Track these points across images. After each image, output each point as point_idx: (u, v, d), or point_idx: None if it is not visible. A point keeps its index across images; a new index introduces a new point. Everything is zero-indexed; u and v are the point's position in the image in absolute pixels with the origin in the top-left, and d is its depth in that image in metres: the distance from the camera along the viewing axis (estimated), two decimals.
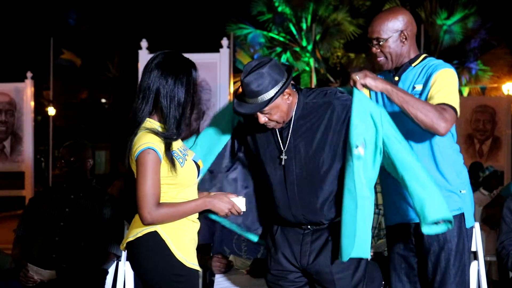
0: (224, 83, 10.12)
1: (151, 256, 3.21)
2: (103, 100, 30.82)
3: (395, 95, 3.43)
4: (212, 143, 3.71)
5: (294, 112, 3.44)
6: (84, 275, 4.76)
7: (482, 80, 21.00)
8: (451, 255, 3.60)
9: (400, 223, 3.71)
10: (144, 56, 10.11)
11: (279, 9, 23.34)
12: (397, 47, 3.69)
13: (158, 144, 3.16)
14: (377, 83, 3.43)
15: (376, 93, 3.73)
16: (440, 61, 3.70)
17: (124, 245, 3.31)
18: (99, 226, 4.90)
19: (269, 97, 3.29)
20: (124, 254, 4.73)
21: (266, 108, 3.31)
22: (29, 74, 12.56)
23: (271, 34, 23.70)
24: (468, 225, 3.67)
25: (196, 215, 3.36)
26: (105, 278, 4.93)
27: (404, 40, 3.69)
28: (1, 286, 4.80)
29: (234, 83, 16.93)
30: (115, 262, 4.96)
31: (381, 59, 3.72)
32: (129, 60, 23.60)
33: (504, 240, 4.73)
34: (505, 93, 17.45)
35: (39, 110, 21.83)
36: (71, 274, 4.71)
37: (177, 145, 3.28)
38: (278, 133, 3.49)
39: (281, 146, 3.48)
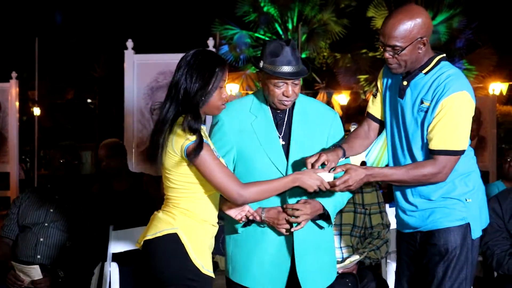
0: None
1: (169, 258, 3.19)
2: (89, 100, 30.72)
3: (382, 180, 3.53)
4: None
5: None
6: (69, 276, 4.73)
7: (468, 79, 21.02)
8: (450, 266, 3.46)
9: (409, 232, 3.66)
10: (129, 56, 10.01)
11: (265, 9, 23.34)
12: (413, 55, 3.38)
13: (202, 135, 3.16)
14: (360, 182, 3.37)
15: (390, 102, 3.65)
16: (453, 75, 3.42)
17: (141, 243, 3.28)
18: (84, 226, 4.88)
19: (306, 65, 3.48)
20: (109, 255, 4.72)
21: (298, 80, 3.47)
22: (14, 74, 12.49)
23: (256, 34, 23.70)
24: (474, 236, 3.51)
25: (216, 219, 3.33)
26: (90, 279, 4.91)
27: (422, 46, 3.38)
28: None
29: None
30: (100, 263, 4.94)
31: (393, 65, 3.44)
32: (115, 60, 23.52)
33: (488, 240, 4.75)
34: (490, 93, 17.50)
35: (24, 110, 21.73)
36: (56, 275, 4.69)
37: (212, 145, 3.29)
38: (274, 122, 3.59)
39: (277, 132, 3.57)
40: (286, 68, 3.41)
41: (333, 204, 3.56)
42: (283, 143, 3.56)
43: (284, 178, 3.31)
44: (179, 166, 3.20)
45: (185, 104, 3.17)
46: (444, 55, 3.51)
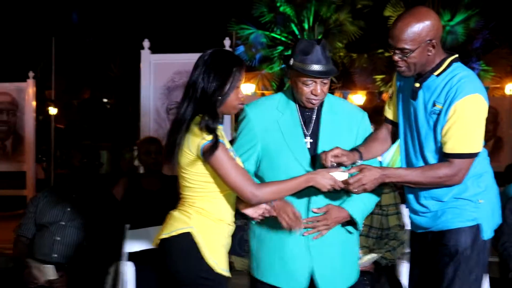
0: None
1: (183, 257, 3.21)
2: (105, 100, 30.81)
3: (396, 181, 3.48)
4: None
5: None
6: (85, 275, 4.75)
7: (484, 80, 20.85)
8: (460, 267, 3.42)
9: (421, 232, 3.64)
10: (146, 56, 10.04)
11: (281, 9, 23.32)
12: (422, 57, 3.34)
13: (218, 134, 3.18)
14: (375, 182, 3.35)
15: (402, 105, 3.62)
16: (465, 77, 3.35)
17: (157, 242, 3.30)
18: (101, 225, 4.89)
19: (336, 66, 3.48)
20: (125, 255, 4.73)
21: (328, 79, 3.48)
22: (31, 74, 12.56)
23: (273, 34, 23.69)
24: (485, 237, 3.47)
25: (232, 218, 3.35)
26: (105, 278, 4.93)
27: (431, 49, 3.33)
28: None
29: None
30: (116, 262, 4.95)
31: (402, 68, 3.41)
32: (132, 60, 23.57)
33: (505, 241, 4.73)
34: (508, 93, 17.38)
35: (41, 109, 21.81)
36: (72, 274, 4.70)
37: (228, 145, 3.30)
38: (302, 121, 3.59)
39: (305, 130, 3.58)
40: (316, 67, 3.42)
41: (361, 210, 3.58)
42: (311, 141, 3.57)
43: (298, 178, 3.32)
44: (195, 165, 3.21)
45: (203, 104, 3.18)
46: (457, 55, 3.47)
